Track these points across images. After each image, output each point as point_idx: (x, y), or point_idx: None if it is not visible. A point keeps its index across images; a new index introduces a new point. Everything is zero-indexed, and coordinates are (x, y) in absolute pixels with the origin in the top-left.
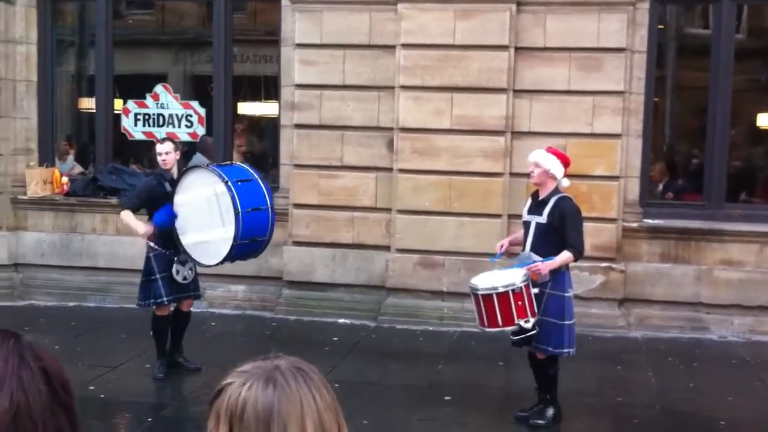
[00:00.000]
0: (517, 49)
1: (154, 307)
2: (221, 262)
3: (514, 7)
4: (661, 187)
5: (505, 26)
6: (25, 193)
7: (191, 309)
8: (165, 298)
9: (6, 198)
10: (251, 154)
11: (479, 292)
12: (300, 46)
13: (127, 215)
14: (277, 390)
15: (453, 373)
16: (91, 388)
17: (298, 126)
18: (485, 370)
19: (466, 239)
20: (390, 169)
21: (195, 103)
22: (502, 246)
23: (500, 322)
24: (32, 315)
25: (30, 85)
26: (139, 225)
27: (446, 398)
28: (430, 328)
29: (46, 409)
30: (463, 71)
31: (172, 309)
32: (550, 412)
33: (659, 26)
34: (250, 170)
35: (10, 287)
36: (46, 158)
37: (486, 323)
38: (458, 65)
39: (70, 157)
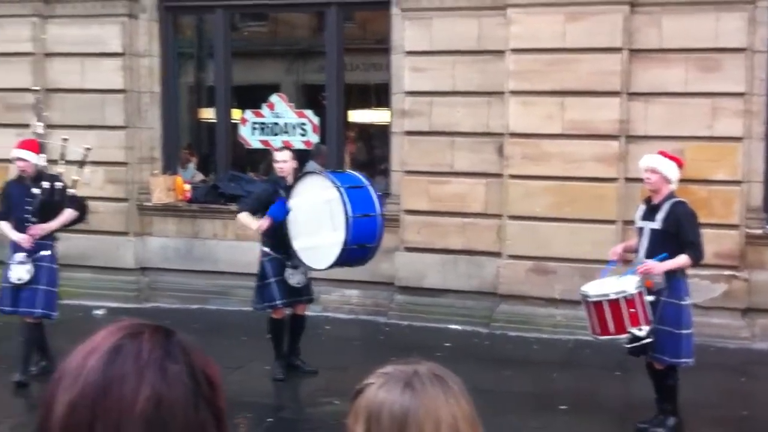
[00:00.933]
0: (630, 50)
1: (269, 310)
2: (331, 266)
3: (627, 8)
4: None
5: (617, 28)
6: (150, 200)
7: (306, 313)
8: (279, 301)
9: (132, 205)
10: (362, 160)
11: (590, 299)
12: (410, 53)
13: (243, 216)
14: (414, 395)
15: (568, 382)
16: None
17: (409, 133)
18: (601, 379)
19: (579, 245)
20: (500, 175)
21: (309, 112)
22: (615, 253)
23: (612, 330)
24: (158, 317)
25: (153, 96)
26: (253, 222)
27: (562, 407)
28: (544, 336)
29: (189, 404)
30: (574, 74)
31: (287, 312)
32: (672, 421)
33: None
34: (361, 177)
35: (136, 290)
36: (169, 166)
37: (598, 331)
38: (569, 68)
39: (192, 165)
